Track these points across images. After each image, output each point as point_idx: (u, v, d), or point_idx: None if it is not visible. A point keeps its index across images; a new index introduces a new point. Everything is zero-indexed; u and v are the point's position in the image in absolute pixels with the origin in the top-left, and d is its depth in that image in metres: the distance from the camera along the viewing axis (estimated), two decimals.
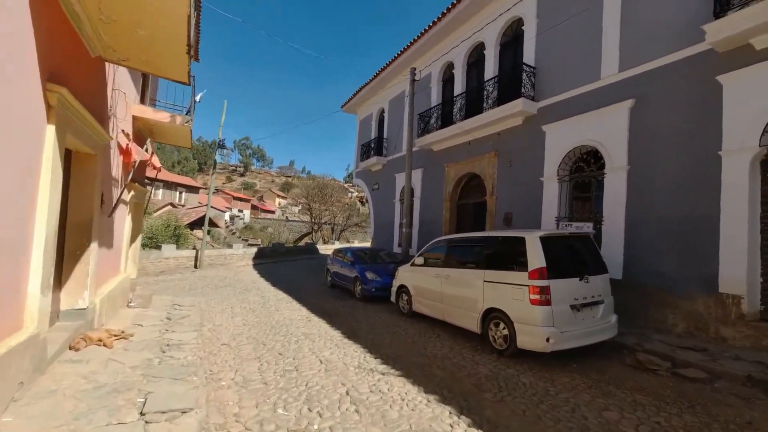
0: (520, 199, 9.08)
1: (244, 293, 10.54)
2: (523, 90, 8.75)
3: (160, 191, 42.25)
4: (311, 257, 22.95)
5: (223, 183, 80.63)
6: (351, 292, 10.30)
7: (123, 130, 6.30)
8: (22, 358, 3.12)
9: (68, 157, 4.87)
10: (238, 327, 6.67)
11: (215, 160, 16.39)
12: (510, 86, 9.40)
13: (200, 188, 48.49)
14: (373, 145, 16.30)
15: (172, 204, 36.30)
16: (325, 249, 26.84)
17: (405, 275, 7.95)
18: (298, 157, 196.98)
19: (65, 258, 4.91)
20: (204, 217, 35.98)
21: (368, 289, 9.37)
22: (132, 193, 7.72)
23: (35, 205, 3.46)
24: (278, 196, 72.32)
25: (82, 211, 4.96)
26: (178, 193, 44.25)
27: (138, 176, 8.11)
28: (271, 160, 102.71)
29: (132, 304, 7.10)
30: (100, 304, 5.49)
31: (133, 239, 8.96)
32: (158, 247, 15.25)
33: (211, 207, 42.61)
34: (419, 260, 7.42)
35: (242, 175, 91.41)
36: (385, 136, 15.95)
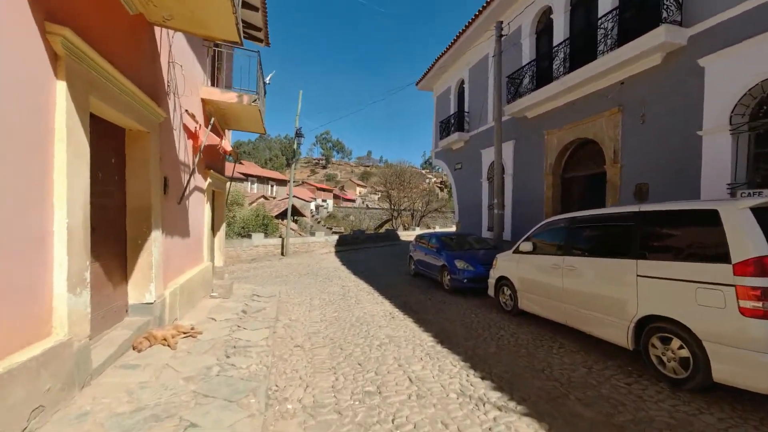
0: (658, 166, 6.73)
1: (325, 282, 9.89)
2: (664, 14, 6.34)
3: (255, 185, 45.55)
4: (392, 244, 22.13)
5: (308, 176, 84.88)
6: (438, 282, 8.97)
7: (187, 111, 5.73)
8: (35, 376, 2.41)
9: (121, 136, 4.30)
10: (315, 323, 5.80)
11: (294, 150, 16.26)
12: (638, 17, 6.98)
13: (288, 181, 51.15)
14: (453, 121, 14.53)
15: (264, 196, 38.67)
16: (406, 235, 25.86)
17: (506, 265, 6.34)
18: (375, 147, 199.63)
19: (128, 247, 4.40)
20: (292, 207, 37.78)
21: (459, 279, 7.93)
22: (209, 180, 7.33)
23: (50, 188, 2.74)
24: (358, 185, 73.70)
25: (139, 195, 4.38)
26: (269, 186, 47.24)
27: (213, 163, 7.72)
28: (350, 151, 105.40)
29: (213, 294, 6.72)
30: (172, 297, 4.99)
31: (216, 228, 8.76)
32: (249, 236, 15.64)
33: (297, 197, 44.69)
34: (526, 246, 5.75)
35: (324, 167, 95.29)
36: (466, 109, 14.06)
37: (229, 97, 6.91)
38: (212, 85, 7.54)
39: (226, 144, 6.61)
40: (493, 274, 6.70)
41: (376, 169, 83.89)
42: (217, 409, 2.83)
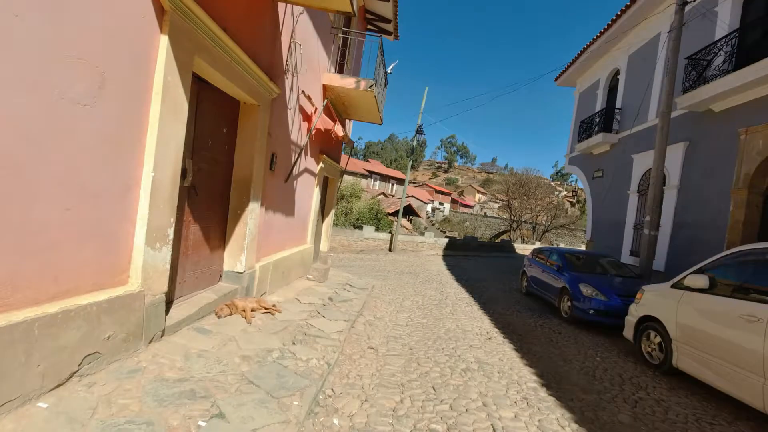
0: None
1: (424, 284, 9.23)
2: None
3: (377, 182, 47.86)
4: (506, 256, 20.09)
5: (429, 178, 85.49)
6: (554, 307, 7.37)
7: (304, 92, 5.76)
8: (95, 322, 2.38)
9: (235, 108, 4.42)
10: (399, 326, 5.19)
11: (413, 147, 16.00)
12: None
13: (409, 181, 52.22)
14: (597, 120, 12.06)
15: (383, 193, 40.20)
16: (524, 249, 23.26)
17: (659, 302, 4.60)
18: (501, 154, 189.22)
19: (229, 216, 4.53)
20: (408, 206, 38.29)
21: (582, 309, 6.28)
22: (321, 165, 7.43)
23: (143, 141, 2.75)
24: (478, 191, 70.79)
25: (244, 167, 4.46)
26: (390, 184, 49.00)
27: (328, 149, 7.82)
28: (474, 156, 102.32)
29: (309, 277, 6.76)
30: (263, 271, 5.03)
31: (325, 214, 8.97)
32: (360, 228, 16.09)
33: (414, 197, 45.14)
34: (697, 281, 3.98)
35: (446, 171, 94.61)
36: (618, 105, 11.48)
37: (347, 82, 6.83)
38: (337, 72, 7.62)
39: (339, 129, 6.53)
40: (635, 312, 4.98)
41: (499, 177, 79.31)
42: (254, 403, 2.45)
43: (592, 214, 12.54)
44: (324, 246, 9.05)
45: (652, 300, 4.74)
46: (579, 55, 13.40)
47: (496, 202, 53.90)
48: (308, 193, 7.04)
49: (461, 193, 70.57)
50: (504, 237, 39.74)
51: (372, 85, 6.70)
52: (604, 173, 11.94)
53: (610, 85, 12.46)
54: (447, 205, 54.45)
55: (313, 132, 6.04)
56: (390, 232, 16.53)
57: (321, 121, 6.15)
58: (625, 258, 9.89)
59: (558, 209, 43.32)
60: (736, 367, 3.41)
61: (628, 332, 5.10)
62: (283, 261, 5.74)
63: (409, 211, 39.49)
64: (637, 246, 9.72)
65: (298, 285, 6.19)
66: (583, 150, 12.78)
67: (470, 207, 60.14)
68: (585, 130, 12.70)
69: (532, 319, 6.67)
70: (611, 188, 11.28)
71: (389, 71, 8.77)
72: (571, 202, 61.72)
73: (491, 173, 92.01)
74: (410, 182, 66.24)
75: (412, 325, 5.34)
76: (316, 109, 6.09)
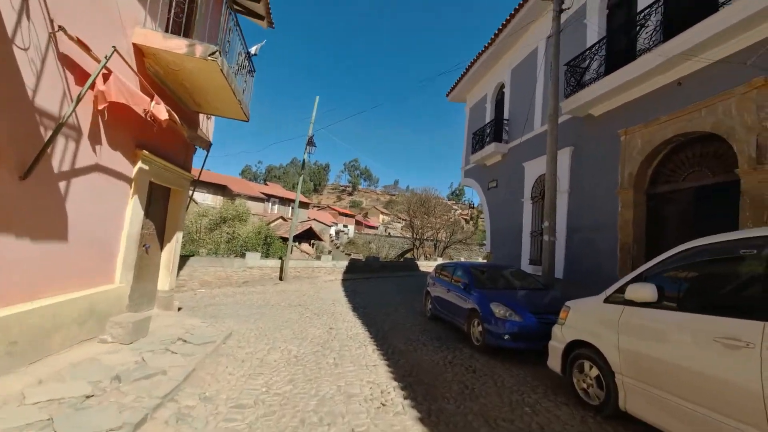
0: None
1: (311, 319, 7.28)
2: None
3: (277, 206, 44.37)
4: (409, 275, 19.26)
5: (334, 201, 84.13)
6: (463, 333, 6.16)
7: (65, 29, 3.50)
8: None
9: None
10: (241, 409, 3.17)
11: (303, 160, 14.19)
12: None
13: (309, 203, 49.90)
14: (488, 131, 12.03)
15: (282, 217, 37.08)
16: (426, 266, 22.94)
17: (590, 323, 3.54)
18: (402, 176, 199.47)
19: None
20: (309, 229, 35.85)
21: (497, 333, 5.12)
22: (141, 165, 5.08)
23: None
24: (382, 212, 71.74)
25: None
26: (290, 208, 45.91)
27: (157, 144, 5.50)
28: (377, 179, 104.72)
29: (105, 337, 4.22)
30: None
31: (165, 239, 6.46)
32: (243, 255, 13.39)
33: (318, 221, 42.93)
34: (643, 292, 2.95)
35: (350, 194, 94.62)
36: (506, 117, 11.56)
37: (175, 44, 4.75)
38: (167, 31, 5.42)
39: (159, 110, 4.37)
40: (561, 335, 3.89)
41: (400, 199, 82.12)
42: None
43: (491, 225, 12.29)
44: (165, 283, 6.45)
45: (582, 320, 3.68)
46: (466, 70, 13.52)
47: (399, 221, 54.89)
48: (112, 206, 4.60)
49: (366, 215, 70.61)
50: (408, 255, 39.96)
51: (214, 53, 4.76)
52: (498, 183, 11.81)
53: (497, 98, 12.66)
54: (352, 227, 53.35)
55: (101, 103, 3.80)
56: (280, 258, 14.16)
57: (122, 92, 3.97)
58: (525, 266, 9.50)
59: (456, 226, 45.77)
60: (718, 414, 2.33)
61: (554, 362, 3.98)
62: (26, 318, 3.25)
63: (311, 235, 37.04)
64: (536, 254, 9.40)
65: (73, 355, 3.66)
66: (477, 161, 12.61)
67: (375, 228, 60.18)
68: (478, 141, 12.59)
69: (440, 353, 5.28)
70: (506, 198, 11.08)
71: (254, 52, 6.93)
72: (465, 220, 66.65)
73: (394, 195, 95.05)
74: (314, 206, 63.69)
75: (265, 401, 3.37)
76: (111, 73, 3.90)
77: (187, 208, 6.79)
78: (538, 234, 9.45)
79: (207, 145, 6.94)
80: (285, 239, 17.54)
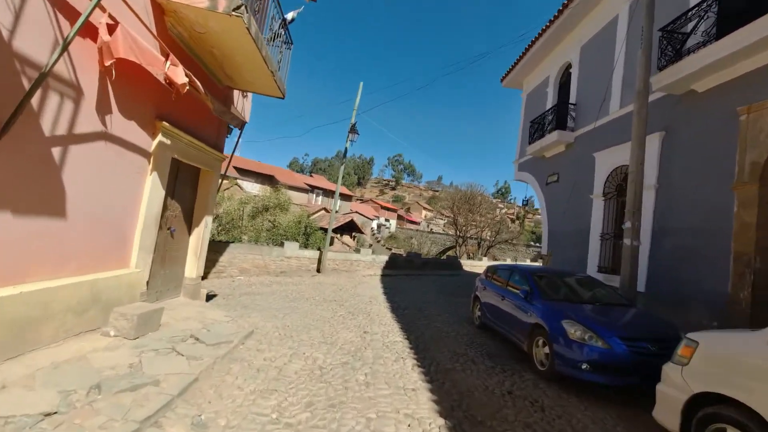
0: None
1: (345, 319, 6.54)
2: None
3: (320, 198, 44.81)
4: (453, 274, 18.09)
5: (377, 195, 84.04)
6: (521, 350, 5.07)
7: None
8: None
9: None
10: None
11: (345, 148, 13.53)
12: None
13: (352, 196, 49.93)
14: (550, 118, 10.55)
15: (325, 209, 37.22)
16: (471, 265, 21.62)
17: (743, 372, 2.36)
18: (446, 172, 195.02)
19: None
20: (351, 222, 35.67)
21: (572, 361, 3.99)
22: (161, 139, 4.55)
23: None
24: (424, 208, 70.38)
25: None
26: (333, 200, 46.18)
27: (180, 117, 4.96)
28: (420, 174, 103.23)
29: (108, 330, 3.70)
30: None
31: (194, 223, 6.00)
32: (281, 245, 13.06)
33: (360, 213, 42.71)
34: None
35: (393, 188, 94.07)
36: (572, 101, 10.02)
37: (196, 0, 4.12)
38: None
39: (176, 73, 3.76)
40: (683, 382, 2.72)
41: (443, 195, 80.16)
42: None
43: (548, 225, 10.83)
44: (192, 270, 6.00)
45: (723, 365, 2.51)
46: (525, 51, 12.04)
47: (442, 218, 53.32)
48: (125, 182, 4.09)
49: (408, 210, 69.66)
50: (450, 253, 38.53)
51: (239, 6, 4.07)
52: (559, 177, 10.33)
53: (561, 81, 11.10)
54: (393, 222, 52.69)
55: (106, 58, 3.22)
56: (319, 249, 13.69)
57: (132, 48, 3.37)
58: (593, 275, 8.07)
59: (501, 224, 43.41)
60: None
61: (667, 416, 2.83)
62: (6, 305, 2.73)
63: (352, 227, 36.86)
64: (607, 260, 7.95)
65: (63, 351, 3.14)
66: (535, 152, 11.16)
67: (417, 223, 59.06)
68: (536, 130, 11.13)
69: (495, 377, 4.26)
70: (570, 194, 9.60)
71: (290, 18, 6.23)
72: (511, 219, 63.32)
73: (437, 191, 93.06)
74: (357, 199, 63.80)
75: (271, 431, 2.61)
76: (116, 24, 3.31)
77: (219, 190, 6.30)
78: (610, 237, 7.99)
79: (240, 124, 6.39)
80: (326, 230, 17.20)
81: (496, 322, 6.07)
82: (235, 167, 37.04)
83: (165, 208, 4.91)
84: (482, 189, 41.58)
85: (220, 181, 6.46)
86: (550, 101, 11.17)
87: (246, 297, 8.06)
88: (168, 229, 5.23)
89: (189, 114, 5.12)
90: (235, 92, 6.78)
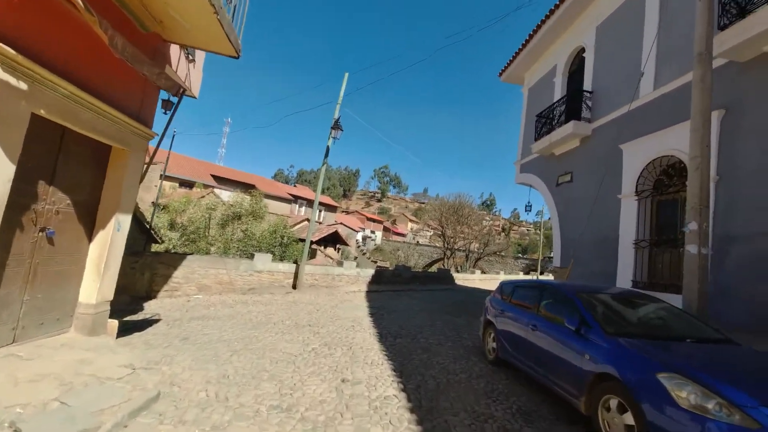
0: None
1: (318, 357, 4.76)
2: None
3: (303, 208, 42.79)
4: (446, 288, 16.40)
5: (362, 207, 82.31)
6: (568, 403, 3.37)
7: None
8: None
9: None
10: None
11: (327, 147, 11.87)
12: None
13: (337, 207, 48.11)
14: (560, 110, 9.16)
15: (308, 220, 35.20)
16: (464, 280, 20.00)
17: None
18: (432, 185, 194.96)
19: None
20: (335, 233, 33.73)
21: None
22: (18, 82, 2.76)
23: None
24: (410, 220, 69.00)
25: None
26: (318, 211, 44.21)
27: (40, 41, 3.18)
28: (406, 187, 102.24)
29: None
30: None
31: (99, 223, 4.15)
32: (251, 257, 11.16)
33: (344, 225, 40.81)
34: None
35: (379, 200, 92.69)
36: (588, 88, 8.67)
37: None
38: None
39: None
40: None
41: (430, 206, 79.08)
42: None
43: (561, 233, 9.32)
44: (91, 292, 4.09)
45: None
46: (527, 41, 10.79)
47: (429, 230, 51.91)
48: None
49: (394, 222, 68.13)
50: (438, 265, 36.96)
51: None
52: (574, 176, 8.88)
53: (571, 69, 9.79)
54: (379, 234, 50.96)
55: None
56: (295, 262, 11.82)
57: None
58: (623, 283, 6.51)
59: (489, 236, 42.20)
60: None
61: None
62: None
63: (336, 239, 34.97)
64: (643, 273, 6.43)
65: None
66: (542, 150, 9.74)
67: (403, 236, 57.51)
68: (544, 124, 9.74)
69: None
70: (588, 194, 8.13)
71: None
72: (498, 231, 62.38)
73: (423, 203, 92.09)
74: (343, 211, 61.79)
75: None
76: None
77: (141, 180, 4.49)
78: (646, 244, 6.49)
79: (176, 90, 4.63)
80: (302, 240, 15.39)
81: (523, 359, 4.38)
82: (212, 175, 34.81)
83: (23, 194, 3.09)
84: (470, 200, 40.39)
85: (144, 166, 4.64)
86: (559, 92, 9.83)
87: (196, 323, 6.22)
88: (40, 230, 3.39)
89: (78, 53, 3.37)
90: (176, 53, 5.05)
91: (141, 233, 9.98)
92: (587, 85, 8.71)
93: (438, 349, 5.78)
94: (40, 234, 3.41)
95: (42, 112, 3.04)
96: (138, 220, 9.44)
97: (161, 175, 16.80)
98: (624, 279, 6.79)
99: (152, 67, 3.80)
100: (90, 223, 4.06)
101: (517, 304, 5.02)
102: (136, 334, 5.22)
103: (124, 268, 8.56)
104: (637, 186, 6.75)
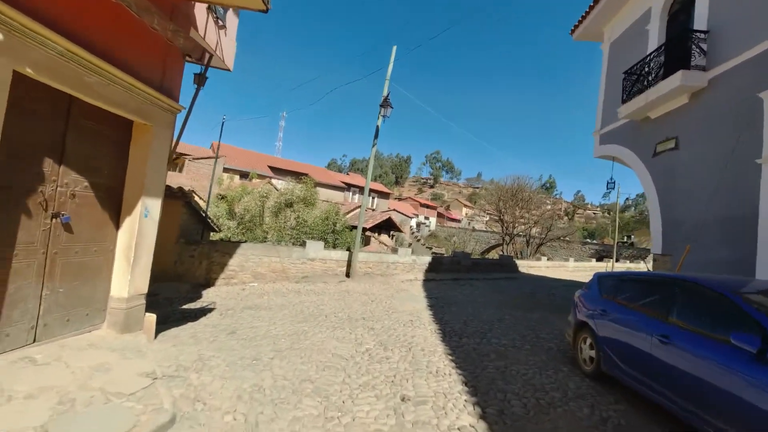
0: None
1: (371, 361, 3.99)
2: None
3: (357, 196, 42.82)
4: (509, 277, 14.91)
5: (415, 194, 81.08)
6: None
7: None
8: None
9: None
10: None
11: (377, 126, 11.01)
12: None
13: (390, 194, 47.53)
14: (659, 60, 7.26)
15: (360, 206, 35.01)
16: (529, 267, 18.23)
17: None
18: (486, 169, 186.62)
19: None
20: (389, 220, 33.16)
21: None
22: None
23: None
24: (465, 205, 66.41)
25: None
26: (371, 198, 44.00)
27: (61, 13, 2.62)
28: (459, 171, 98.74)
29: None
30: None
31: (125, 209, 3.69)
32: (303, 245, 10.79)
33: (398, 211, 40.06)
34: None
35: (432, 186, 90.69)
36: (702, 28, 6.71)
37: None
38: None
39: None
40: None
41: (486, 191, 75.27)
42: None
43: (661, 212, 7.53)
44: (122, 285, 3.67)
45: None
46: None
47: (485, 215, 49.30)
48: None
49: (448, 208, 66.05)
50: (497, 251, 34.87)
51: None
52: (679, 143, 7.04)
53: (672, 9, 7.76)
54: (433, 220, 49.56)
55: None
56: (348, 249, 11.27)
57: None
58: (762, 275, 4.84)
59: (552, 220, 38.83)
60: None
61: None
62: None
63: (390, 226, 34.34)
64: None
65: None
66: (632, 114, 7.91)
67: (457, 221, 55.47)
68: (636, 81, 7.88)
69: None
70: (705, 164, 6.33)
71: None
72: (559, 215, 57.35)
73: (477, 187, 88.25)
74: (396, 197, 61.05)
75: None
76: None
77: (170, 160, 3.98)
78: None
79: (199, 52, 4.01)
80: (368, 230, 14.84)
81: (644, 380, 3.18)
82: (269, 166, 35.99)
83: (22, 172, 2.61)
84: (529, 183, 37.18)
85: (171, 144, 4.11)
86: (655, 41, 7.86)
87: (247, 313, 5.86)
88: (53, 215, 2.94)
89: (79, 6, 2.79)
90: (203, 16, 4.42)
91: (198, 222, 10.00)
92: (699, 24, 6.75)
93: (515, 354, 4.70)
94: (54, 220, 2.97)
95: (28, 71, 2.52)
96: (194, 209, 9.41)
97: (222, 168, 17.22)
98: (766, 269, 5.07)
99: (163, 20, 3.17)
100: (115, 209, 3.62)
101: (627, 304, 3.76)
102: (189, 324, 4.94)
103: (182, 257, 8.74)
104: None
